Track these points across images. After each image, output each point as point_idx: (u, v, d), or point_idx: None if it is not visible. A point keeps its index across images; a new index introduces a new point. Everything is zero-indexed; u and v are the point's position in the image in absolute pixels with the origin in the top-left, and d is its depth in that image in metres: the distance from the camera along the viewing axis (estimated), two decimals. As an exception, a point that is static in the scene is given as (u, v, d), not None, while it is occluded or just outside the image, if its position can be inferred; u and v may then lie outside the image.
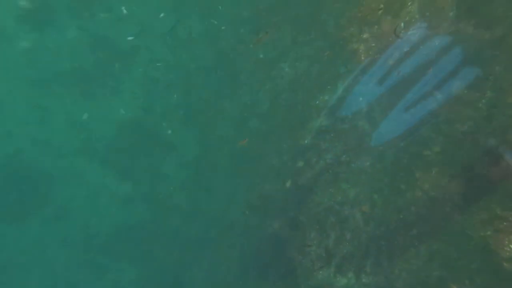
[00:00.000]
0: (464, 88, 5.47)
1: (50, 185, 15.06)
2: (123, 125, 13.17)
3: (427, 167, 5.78)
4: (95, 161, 14.41)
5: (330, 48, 9.40)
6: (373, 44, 5.70)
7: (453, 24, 4.54)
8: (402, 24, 5.07)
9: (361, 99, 8.34)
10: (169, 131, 13.53)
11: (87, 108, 12.97)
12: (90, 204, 15.78)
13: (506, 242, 3.92)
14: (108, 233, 15.15)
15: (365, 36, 5.73)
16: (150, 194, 14.65)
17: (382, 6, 5.17)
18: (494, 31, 4.41)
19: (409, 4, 4.81)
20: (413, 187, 5.98)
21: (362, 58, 6.08)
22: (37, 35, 12.24)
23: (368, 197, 6.98)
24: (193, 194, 14.14)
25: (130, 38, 12.36)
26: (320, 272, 6.35)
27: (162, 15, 12.82)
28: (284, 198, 9.71)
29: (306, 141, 9.92)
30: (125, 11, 12.57)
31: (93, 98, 13.12)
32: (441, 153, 5.47)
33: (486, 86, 4.80)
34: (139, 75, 13.08)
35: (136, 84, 13.09)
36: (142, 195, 14.71)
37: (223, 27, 13.31)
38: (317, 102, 9.45)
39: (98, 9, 12.03)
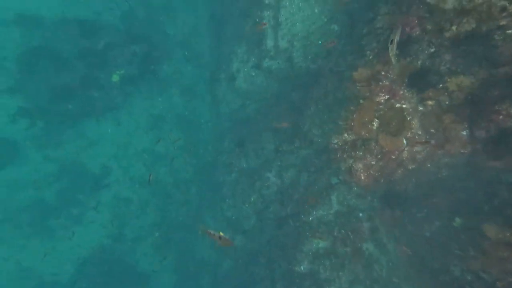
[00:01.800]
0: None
1: None
2: (87, 261, 11.12)
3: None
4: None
5: (317, 157, 8.62)
6: (373, 162, 4.81)
7: (466, 145, 3.75)
8: (405, 141, 4.26)
9: (361, 215, 7.04)
10: (142, 259, 11.45)
11: (42, 249, 11.07)
12: None
13: None
14: None
15: (360, 153, 4.88)
16: None
17: (376, 120, 4.48)
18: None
19: (408, 118, 4.11)
20: None
21: (362, 177, 5.10)
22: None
23: None
24: None
25: (101, 160, 11.60)
26: None
27: (141, 132, 12.48)
28: None
29: (302, 267, 8.12)
30: (109, 131, 12.21)
31: (51, 235, 11.37)
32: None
33: None
34: (109, 198, 11.81)
35: (106, 209, 11.67)
36: None
37: (203, 139, 12.94)
38: (311, 218, 8.08)
39: (70, 137, 11.60)
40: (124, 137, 12.21)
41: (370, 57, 5.12)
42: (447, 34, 3.64)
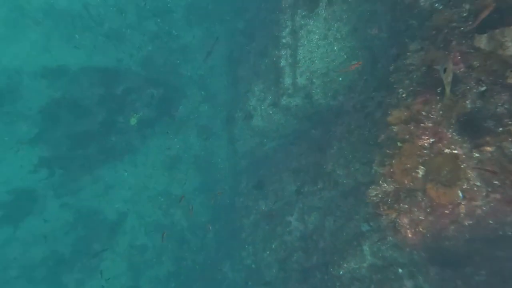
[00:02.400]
0: None
1: None
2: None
3: None
4: None
5: (343, 200, 7.89)
6: (421, 217, 4.10)
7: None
8: (461, 194, 3.59)
9: (400, 271, 6.13)
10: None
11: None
12: None
13: None
14: None
15: (405, 205, 4.18)
16: None
17: (421, 167, 3.85)
18: None
19: (462, 166, 3.48)
20: None
21: (409, 235, 4.34)
22: (10, 229, 11.14)
23: None
24: None
25: (117, 205, 11.29)
26: None
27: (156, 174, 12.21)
28: None
29: (336, 331, 7.09)
30: (126, 174, 12.03)
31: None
32: None
33: None
34: (125, 246, 11.29)
35: (121, 258, 11.12)
36: None
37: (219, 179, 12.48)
38: (341, 272, 7.17)
39: (87, 183, 11.47)
40: (140, 180, 11.94)
41: (403, 95, 4.60)
42: (509, 81, 3.10)
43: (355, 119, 7.82)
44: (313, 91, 8.83)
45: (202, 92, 12.83)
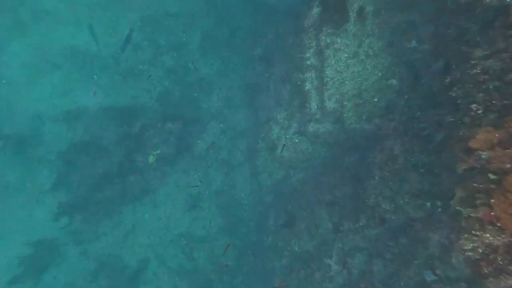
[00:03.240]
0: None
1: None
2: None
3: None
4: None
5: (393, 240, 6.65)
6: None
7: None
8: None
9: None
10: None
11: None
12: None
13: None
14: None
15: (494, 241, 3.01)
16: None
17: None
18: None
19: None
20: None
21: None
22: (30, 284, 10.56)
23: None
24: None
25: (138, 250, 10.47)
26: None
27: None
28: None
29: None
30: (146, 216, 11.34)
31: None
32: None
33: None
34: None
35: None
36: None
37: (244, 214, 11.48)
38: (403, 334, 5.82)
39: (106, 227, 10.85)
40: (161, 222, 11.15)
41: (479, 111, 3.60)
42: None
43: (399, 143, 6.76)
44: (345, 115, 7.91)
45: (221, 125, 12.22)
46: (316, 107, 8.44)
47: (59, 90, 11.99)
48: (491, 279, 3.30)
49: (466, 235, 3.49)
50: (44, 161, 11.51)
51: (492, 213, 3.07)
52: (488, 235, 3.28)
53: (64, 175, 11.07)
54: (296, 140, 9.78)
